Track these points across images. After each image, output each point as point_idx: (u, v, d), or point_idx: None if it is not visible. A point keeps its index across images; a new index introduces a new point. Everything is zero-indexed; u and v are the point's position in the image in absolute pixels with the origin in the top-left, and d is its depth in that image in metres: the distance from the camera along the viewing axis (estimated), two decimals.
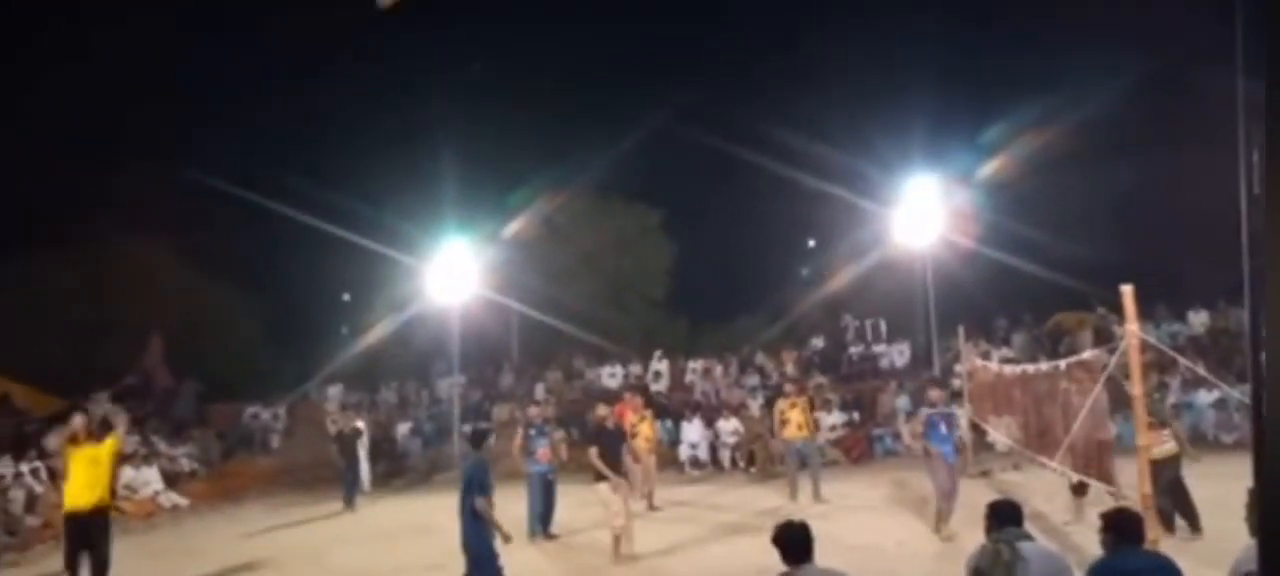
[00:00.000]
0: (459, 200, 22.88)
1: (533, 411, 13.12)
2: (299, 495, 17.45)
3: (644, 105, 25.96)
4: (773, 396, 17.36)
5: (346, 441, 16.17)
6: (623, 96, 29.03)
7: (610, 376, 22.69)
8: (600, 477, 10.16)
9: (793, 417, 13.60)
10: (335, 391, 23.40)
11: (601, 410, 11.48)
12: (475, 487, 7.74)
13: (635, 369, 22.83)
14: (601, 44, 34.04)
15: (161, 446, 18.61)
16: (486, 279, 21.79)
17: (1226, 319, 19.12)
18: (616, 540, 10.12)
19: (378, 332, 23.43)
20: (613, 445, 10.64)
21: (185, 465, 18.65)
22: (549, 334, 25.02)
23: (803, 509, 11.82)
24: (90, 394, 20.48)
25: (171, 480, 17.22)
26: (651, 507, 13.26)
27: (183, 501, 16.54)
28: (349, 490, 15.61)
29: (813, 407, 14.88)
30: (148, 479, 16.36)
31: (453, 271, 20.40)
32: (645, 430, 13.94)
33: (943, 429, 10.49)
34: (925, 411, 10.79)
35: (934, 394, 11.13)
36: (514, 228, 24.73)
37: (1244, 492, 2.75)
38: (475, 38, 32.59)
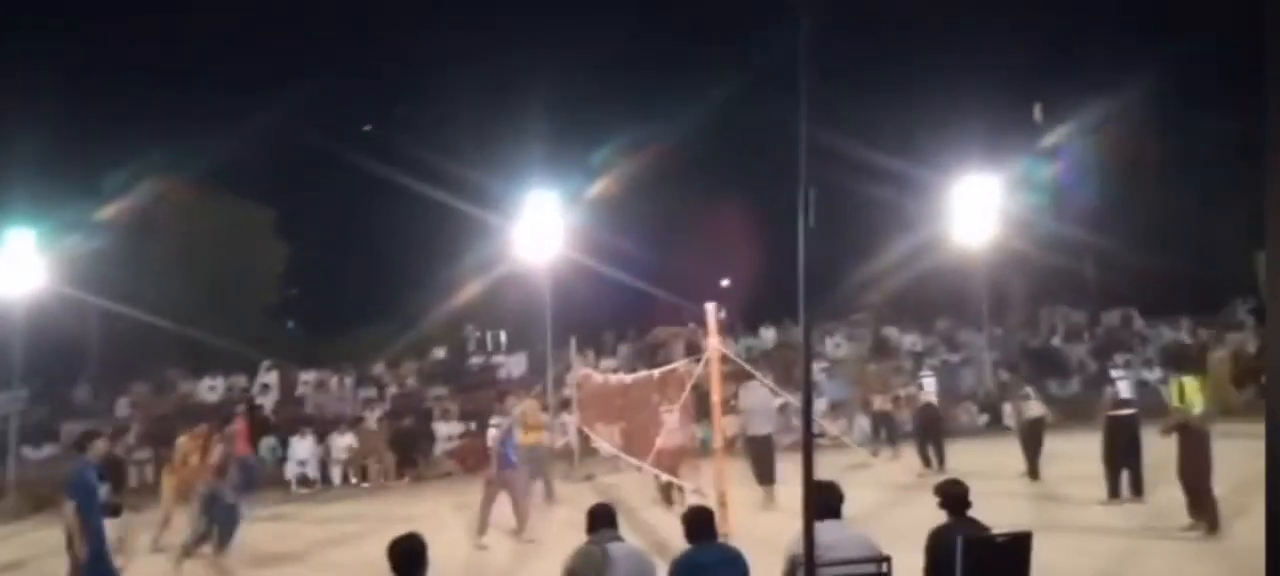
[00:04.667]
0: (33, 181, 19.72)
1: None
2: None
3: (257, 101, 24.34)
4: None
5: None
6: (235, 89, 26.93)
7: (210, 389, 20.82)
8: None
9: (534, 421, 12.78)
10: None
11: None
12: (77, 493, 6.76)
13: (240, 381, 21.14)
14: (215, 37, 31.27)
15: None
16: (61, 272, 18.51)
17: (789, 335, 22.14)
18: None
19: None
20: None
21: None
22: (137, 340, 22.19)
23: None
24: None
25: None
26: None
27: None
28: None
29: None
30: None
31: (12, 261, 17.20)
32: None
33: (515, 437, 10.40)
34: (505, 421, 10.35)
35: (508, 402, 11.25)
36: (102, 215, 21.75)
37: (797, 487, 3.19)
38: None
